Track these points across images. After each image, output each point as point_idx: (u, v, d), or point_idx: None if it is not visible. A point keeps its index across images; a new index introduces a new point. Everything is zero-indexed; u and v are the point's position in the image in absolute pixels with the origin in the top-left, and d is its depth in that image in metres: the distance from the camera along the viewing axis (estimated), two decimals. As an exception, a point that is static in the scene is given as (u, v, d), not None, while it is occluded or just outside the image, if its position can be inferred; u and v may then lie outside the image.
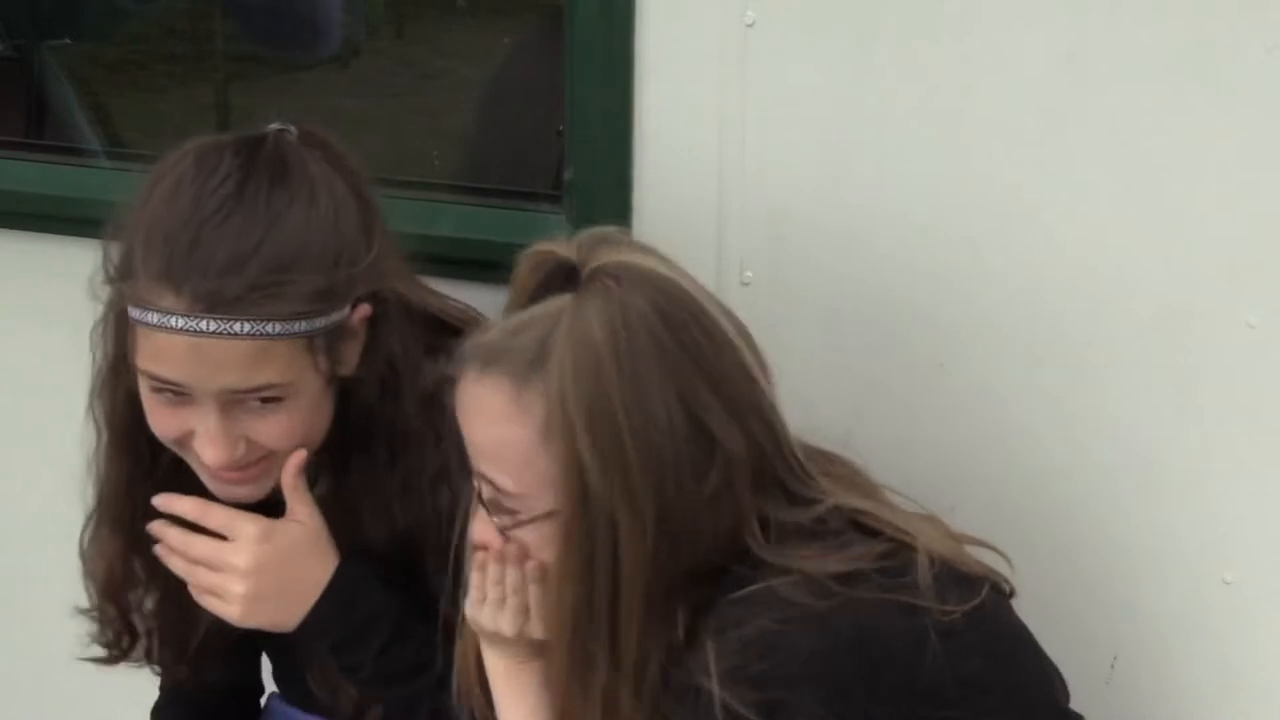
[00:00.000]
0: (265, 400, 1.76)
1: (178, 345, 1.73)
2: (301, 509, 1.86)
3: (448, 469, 1.84)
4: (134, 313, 1.75)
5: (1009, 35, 1.98)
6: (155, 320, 1.73)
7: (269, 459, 1.82)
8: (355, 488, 1.89)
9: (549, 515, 1.70)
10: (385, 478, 1.88)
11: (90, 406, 1.94)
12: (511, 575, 1.76)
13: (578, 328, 1.66)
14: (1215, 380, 2.01)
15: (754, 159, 2.11)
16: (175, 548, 1.86)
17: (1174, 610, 2.06)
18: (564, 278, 1.71)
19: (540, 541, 1.72)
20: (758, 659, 1.62)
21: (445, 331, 1.90)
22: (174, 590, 1.97)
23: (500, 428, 1.70)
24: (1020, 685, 1.74)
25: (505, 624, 1.78)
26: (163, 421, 1.81)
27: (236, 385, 1.74)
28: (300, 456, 1.83)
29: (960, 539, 1.77)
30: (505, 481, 1.70)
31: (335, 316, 1.77)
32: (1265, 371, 1.98)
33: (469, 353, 1.72)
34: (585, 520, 1.66)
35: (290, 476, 1.84)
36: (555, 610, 1.72)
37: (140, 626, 2.04)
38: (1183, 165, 1.96)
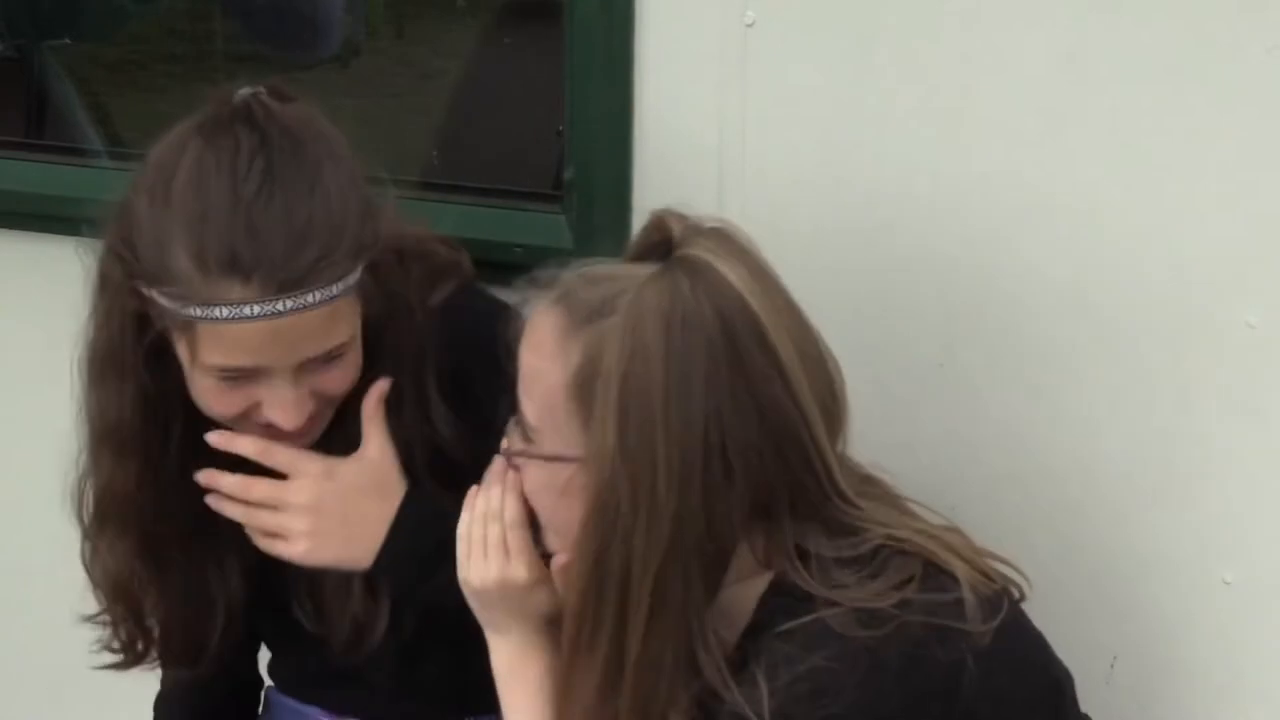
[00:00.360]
0: (331, 358, 1.79)
1: (256, 332, 1.73)
2: (375, 440, 1.87)
3: (470, 382, 1.88)
4: (195, 311, 1.73)
5: (1009, 35, 1.98)
6: (226, 314, 1.72)
7: (322, 408, 1.84)
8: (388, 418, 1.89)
9: (553, 459, 1.72)
10: (412, 402, 1.89)
11: (84, 413, 1.92)
12: (498, 502, 1.79)
13: (637, 309, 1.65)
14: (1215, 380, 2.01)
15: (754, 159, 2.11)
16: (233, 493, 1.86)
17: (1174, 610, 2.06)
18: (661, 249, 1.71)
19: (538, 483, 1.74)
20: (810, 700, 1.61)
21: (422, 259, 1.93)
22: (186, 589, 1.97)
23: (539, 359, 1.72)
24: (1042, 693, 1.74)
25: (492, 569, 1.79)
26: (226, 402, 1.81)
27: (315, 352, 1.77)
28: (382, 388, 1.85)
29: (981, 552, 1.77)
30: (528, 410, 1.73)
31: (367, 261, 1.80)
32: (1265, 371, 1.98)
33: (553, 282, 1.74)
34: (603, 504, 1.66)
35: (371, 407, 1.86)
36: (568, 593, 1.72)
37: (154, 628, 2.02)
38: (1183, 165, 1.96)
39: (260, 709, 2.27)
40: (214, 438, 1.85)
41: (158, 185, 1.76)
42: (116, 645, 2.03)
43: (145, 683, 2.20)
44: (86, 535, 1.99)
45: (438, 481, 1.90)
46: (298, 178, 1.74)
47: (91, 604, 2.04)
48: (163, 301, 1.76)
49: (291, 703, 2.20)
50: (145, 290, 1.78)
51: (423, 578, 1.88)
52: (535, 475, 1.76)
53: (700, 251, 1.69)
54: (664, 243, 1.71)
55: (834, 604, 1.65)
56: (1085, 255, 2.02)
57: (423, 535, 1.86)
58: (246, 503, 1.86)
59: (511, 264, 2.17)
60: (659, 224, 1.73)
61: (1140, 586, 2.06)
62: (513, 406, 1.76)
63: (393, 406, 1.89)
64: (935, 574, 1.68)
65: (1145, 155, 1.96)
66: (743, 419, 1.66)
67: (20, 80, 3.02)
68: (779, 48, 2.07)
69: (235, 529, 1.93)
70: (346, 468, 1.87)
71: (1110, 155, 1.98)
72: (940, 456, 2.05)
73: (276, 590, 1.99)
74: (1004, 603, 1.70)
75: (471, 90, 2.54)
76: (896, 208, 2.06)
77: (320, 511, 1.84)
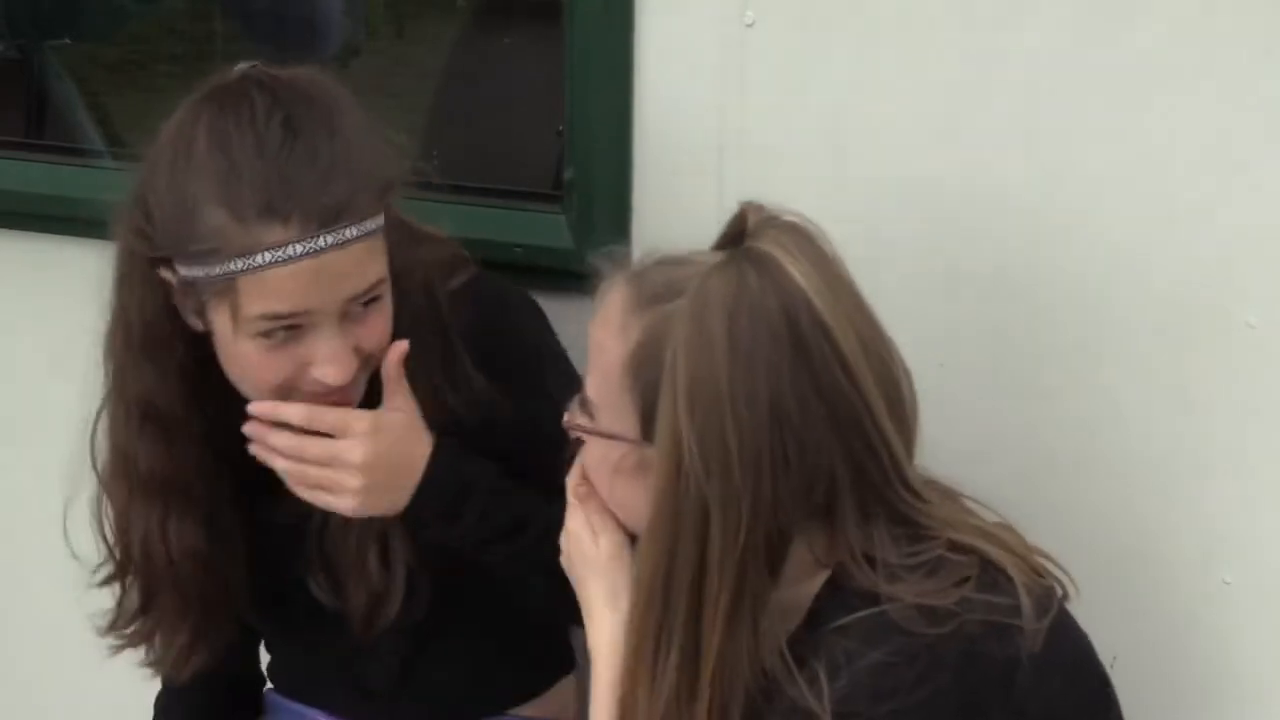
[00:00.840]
0: (369, 303, 1.83)
1: (301, 272, 1.77)
2: (400, 397, 1.90)
3: (455, 353, 1.92)
4: (235, 265, 1.77)
5: (1010, 33, 1.98)
6: (269, 258, 1.76)
7: (363, 368, 1.88)
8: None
9: (608, 437, 1.73)
10: (440, 363, 1.94)
11: (113, 394, 1.95)
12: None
13: (702, 296, 1.67)
14: (1215, 380, 2.01)
15: (754, 159, 2.10)
16: (288, 451, 1.88)
17: (1174, 611, 2.06)
18: (736, 240, 1.72)
19: (595, 458, 1.77)
20: (871, 695, 1.62)
21: (432, 238, 1.99)
22: (197, 568, 1.98)
23: (603, 334, 1.74)
24: (1091, 693, 1.76)
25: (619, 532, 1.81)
26: (274, 368, 1.83)
27: (357, 290, 1.81)
28: (402, 348, 1.88)
29: (1033, 550, 1.77)
30: (590, 383, 1.75)
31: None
32: (1265, 371, 1.98)
33: (631, 258, 1.79)
34: (676, 493, 1.66)
35: (393, 367, 1.88)
36: (636, 587, 1.71)
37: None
38: (1183, 164, 1.96)
39: (261, 713, 2.27)
40: (258, 407, 1.87)
41: (178, 155, 1.79)
42: (128, 612, 2.04)
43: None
44: (104, 506, 2.01)
45: (472, 443, 1.94)
46: (317, 126, 1.79)
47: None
48: (195, 272, 1.79)
49: (292, 705, 2.19)
50: (172, 271, 1.82)
51: (450, 517, 1.92)
52: (593, 450, 1.77)
53: (768, 245, 1.69)
54: (739, 233, 1.73)
55: (894, 599, 1.66)
56: (1085, 254, 2.02)
57: (452, 477, 1.91)
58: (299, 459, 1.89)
59: (512, 264, 2.22)
60: (740, 215, 1.74)
61: (1141, 587, 2.06)
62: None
63: (422, 368, 1.92)
64: (991, 573, 1.69)
65: (1146, 155, 1.96)
66: (806, 409, 1.66)
67: (21, 80, 3.01)
68: (779, 47, 2.07)
69: (244, 514, 1.98)
70: (389, 420, 1.90)
71: (1111, 155, 1.98)
72: (940, 457, 2.04)
73: (288, 568, 2.00)
74: (1054, 601, 1.71)
75: (471, 90, 2.54)
76: (897, 207, 2.06)
77: (374, 467, 1.87)
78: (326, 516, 1.94)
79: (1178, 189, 1.96)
